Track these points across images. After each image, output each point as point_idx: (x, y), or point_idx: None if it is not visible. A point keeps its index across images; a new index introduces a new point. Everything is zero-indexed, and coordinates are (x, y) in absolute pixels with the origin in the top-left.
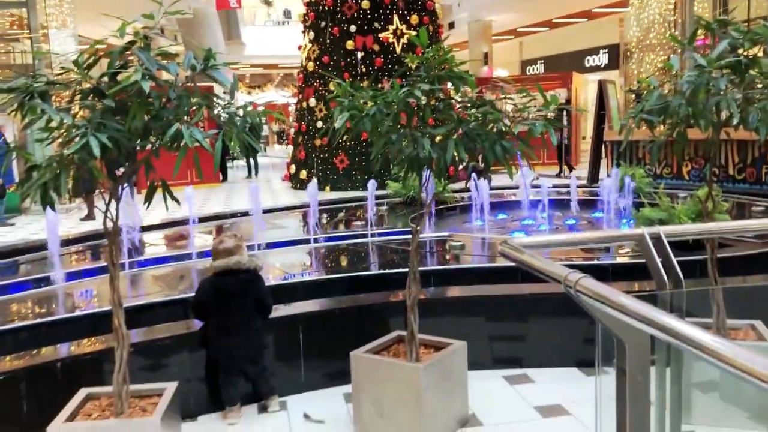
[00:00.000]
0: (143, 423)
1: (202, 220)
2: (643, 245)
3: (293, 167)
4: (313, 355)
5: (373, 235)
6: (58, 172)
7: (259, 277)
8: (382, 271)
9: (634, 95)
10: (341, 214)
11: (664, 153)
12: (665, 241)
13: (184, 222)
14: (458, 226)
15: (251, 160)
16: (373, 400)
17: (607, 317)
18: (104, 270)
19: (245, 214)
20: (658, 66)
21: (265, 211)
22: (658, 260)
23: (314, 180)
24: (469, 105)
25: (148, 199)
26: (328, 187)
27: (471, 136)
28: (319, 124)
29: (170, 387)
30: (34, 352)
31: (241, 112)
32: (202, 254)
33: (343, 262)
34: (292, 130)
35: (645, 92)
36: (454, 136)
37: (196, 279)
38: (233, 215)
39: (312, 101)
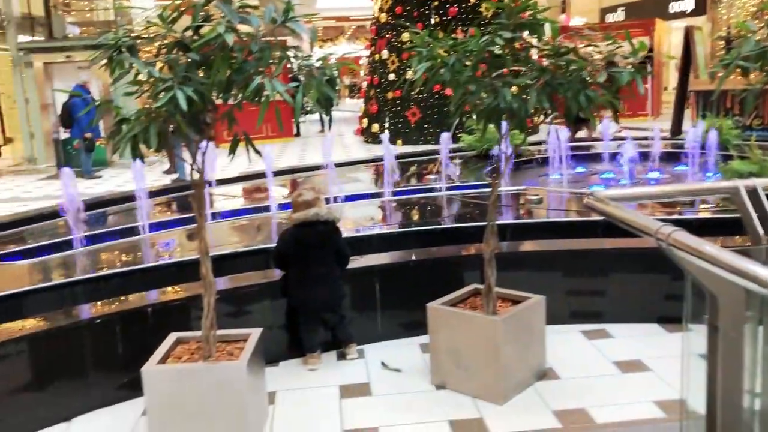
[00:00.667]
0: (230, 366)
1: (278, 173)
2: (737, 198)
3: (365, 121)
4: (390, 305)
5: (446, 189)
6: (147, 125)
7: (337, 229)
8: (456, 225)
9: (723, 42)
10: (414, 168)
11: (755, 103)
12: (762, 194)
13: (260, 176)
14: (535, 179)
15: (324, 115)
16: (451, 352)
17: (702, 272)
18: (187, 221)
19: (319, 167)
20: (751, 10)
21: (339, 165)
22: (754, 214)
23: (386, 132)
24: (551, 53)
25: (232, 151)
26: (400, 141)
27: (553, 86)
28: (392, 76)
29: (255, 333)
30: (127, 298)
31: (319, 65)
32: (279, 207)
33: (417, 215)
34: (364, 84)
35: (737, 38)
36: (536, 86)
37: (274, 230)
38: (308, 169)
39: (384, 53)
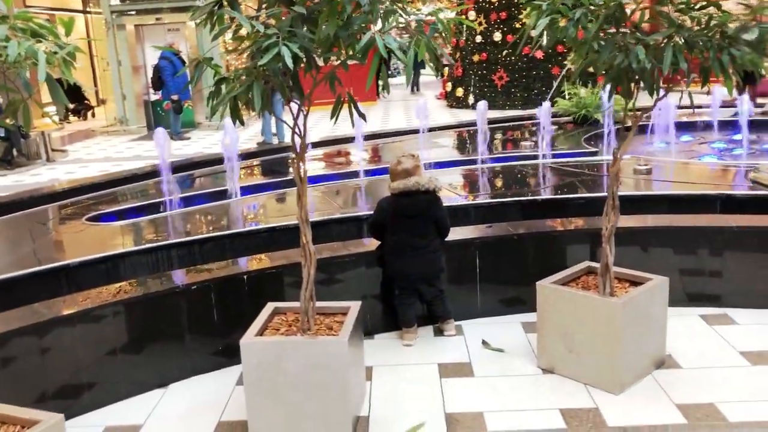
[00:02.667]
0: (331, 342)
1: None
2: None
3: (449, 85)
4: (490, 281)
5: (545, 156)
6: (249, 84)
7: (437, 198)
8: (560, 196)
9: None
10: (505, 134)
11: None
12: None
13: (344, 141)
14: (639, 147)
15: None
16: (562, 335)
17: None
18: (275, 185)
19: (408, 132)
20: None
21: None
22: None
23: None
24: (689, 6)
25: (335, 114)
26: None
27: (691, 43)
28: (478, 38)
29: (354, 306)
30: (222, 264)
31: (430, 19)
32: (368, 173)
33: (515, 184)
34: (449, 46)
35: None
36: (672, 43)
37: (363, 197)
38: (396, 134)
39: (471, 14)
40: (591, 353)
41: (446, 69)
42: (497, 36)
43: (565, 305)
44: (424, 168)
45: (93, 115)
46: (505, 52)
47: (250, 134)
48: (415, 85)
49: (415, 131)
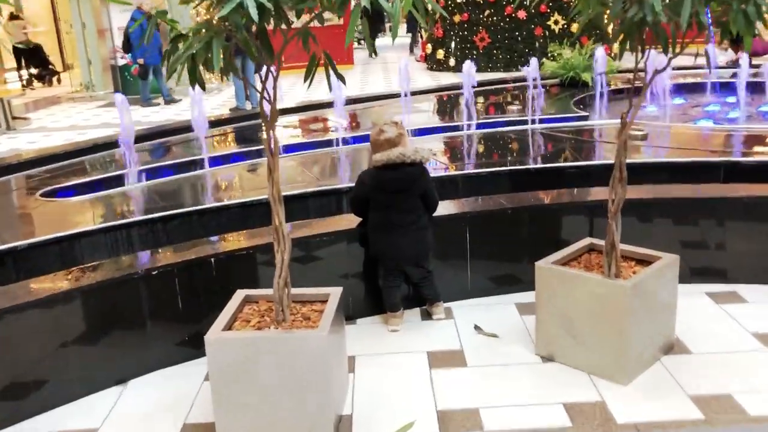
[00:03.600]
0: (308, 336)
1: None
2: None
3: (429, 46)
4: (481, 258)
5: (534, 122)
6: (208, 41)
7: (424, 170)
8: (553, 165)
9: None
10: (492, 98)
11: None
12: None
13: (320, 106)
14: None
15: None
16: (562, 320)
17: None
18: (249, 155)
19: (389, 96)
20: None
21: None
22: None
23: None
24: None
25: (308, 76)
26: None
27: None
28: None
29: (334, 293)
30: (188, 245)
31: None
32: (347, 141)
33: (505, 152)
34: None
35: None
36: None
37: (343, 167)
38: (375, 98)
39: None
40: (595, 340)
41: (423, 31)
42: None
43: (566, 288)
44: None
45: (59, 80)
46: (487, 13)
47: (223, 99)
48: (413, 45)
49: (396, 95)
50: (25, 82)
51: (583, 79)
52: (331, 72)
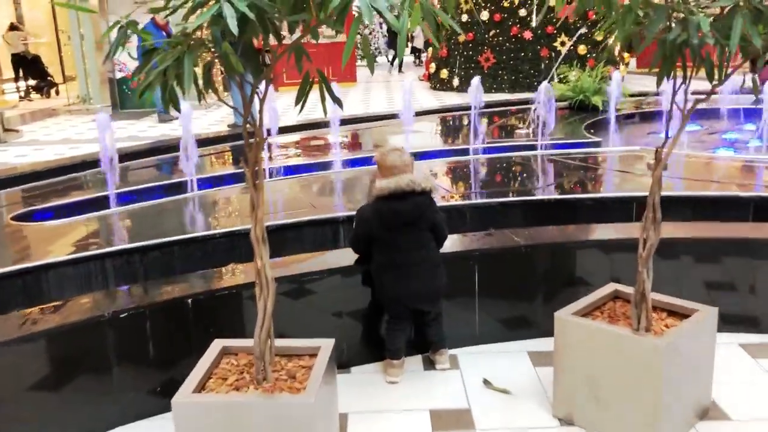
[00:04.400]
0: (293, 403)
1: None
2: None
3: (433, 65)
4: (491, 300)
5: (543, 147)
6: (179, 56)
7: (432, 200)
8: (568, 196)
9: None
10: (497, 120)
11: None
12: None
13: (320, 125)
14: (644, 138)
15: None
16: (585, 379)
17: None
18: (242, 177)
19: (391, 117)
20: None
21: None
22: None
23: (477, 78)
24: None
25: (300, 99)
26: None
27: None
28: (464, 17)
29: (325, 347)
30: (164, 282)
31: None
32: (346, 163)
33: (515, 180)
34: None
35: None
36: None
37: (340, 192)
38: (376, 118)
39: None
40: (622, 403)
41: (430, 49)
42: (484, 15)
43: (590, 343)
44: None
45: (57, 92)
46: (492, 33)
47: (221, 115)
48: (399, 64)
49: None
50: (23, 94)
51: (593, 103)
52: (327, 93)
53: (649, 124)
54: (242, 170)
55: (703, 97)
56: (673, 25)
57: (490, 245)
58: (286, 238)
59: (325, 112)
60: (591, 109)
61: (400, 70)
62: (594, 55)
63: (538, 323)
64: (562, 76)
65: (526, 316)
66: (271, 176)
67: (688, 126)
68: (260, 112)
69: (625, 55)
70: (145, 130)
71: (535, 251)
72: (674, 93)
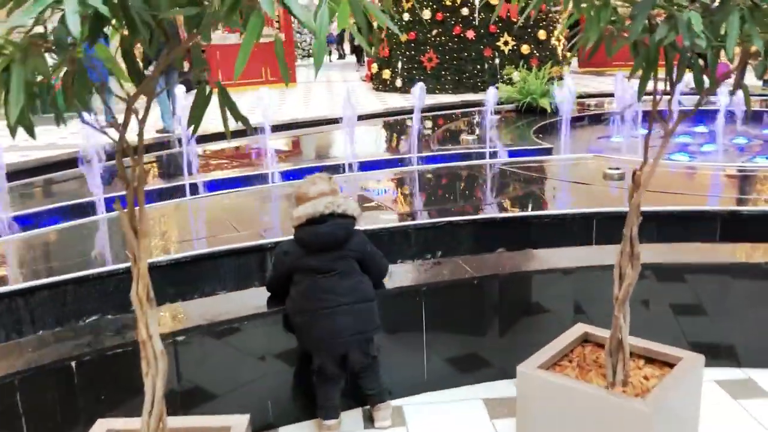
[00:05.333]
0: None
1: (277, 128)
2: None
3: (375, 66)
4: (439, 338)
5: (493, 155)
6: (6, 65)
7: (358, 230)
8: (522, 213)
9: None
10: (444, 124)
11: None
12: None
13: (255, 130)
14: (594, 143)
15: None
16: None
17: None
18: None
19: (332, 121)
20: None
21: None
22: None
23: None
24: None
25: (194, 114)
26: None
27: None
28: (406, 16)
29: (237, 425)
30: (43, 337)
31: None
32: (281, 175)
33: (463, 194)
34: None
35: None
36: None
37: (274, 211)
38: (316, 123)
39: None
40: None
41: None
42: (426, 14)
43: (558, 402)
44: (346, 171)
45: None
46: (434, 32)
47: (150, 120)
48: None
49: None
50: None
51: (541, 106)
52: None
53: (598, 127)
54: (170, 185)
55: (690, 109)
56: (658, 23)
57: (438, 279)
58: (204, 270)
59: (229, 135)
60: (539, 111)
61: (362, 63)
62: (537, 54)
63: (494, 362)
64: (507, 77)
65: (480, 354)
66: (193, 193)
67: (639, 130)
68: (125, 123)
69: (567, 54)
70: (66, 137)
71: (487, 282)
72: (656, 104)
